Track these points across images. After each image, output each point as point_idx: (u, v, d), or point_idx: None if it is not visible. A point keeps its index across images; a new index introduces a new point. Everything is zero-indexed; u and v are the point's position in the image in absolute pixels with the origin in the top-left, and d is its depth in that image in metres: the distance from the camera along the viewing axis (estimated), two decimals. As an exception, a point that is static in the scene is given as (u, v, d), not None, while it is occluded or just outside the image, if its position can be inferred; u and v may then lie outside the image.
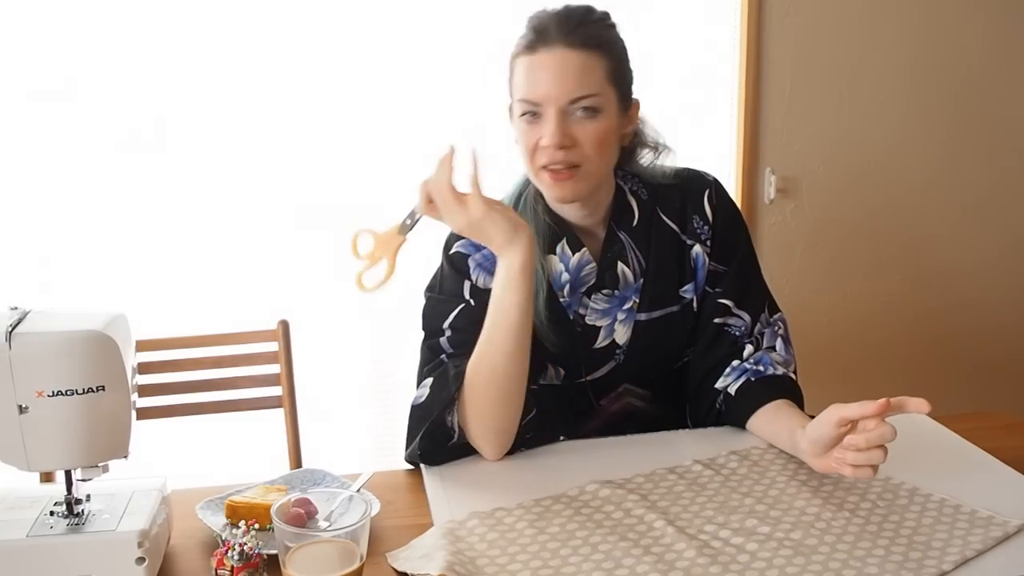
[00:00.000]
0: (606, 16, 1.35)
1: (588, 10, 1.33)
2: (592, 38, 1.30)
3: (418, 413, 1.33)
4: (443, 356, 1.36)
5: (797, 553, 1.07)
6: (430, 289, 1.43)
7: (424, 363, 1.39)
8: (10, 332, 0.99)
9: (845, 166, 2.60)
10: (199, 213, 2.31)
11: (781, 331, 1.45)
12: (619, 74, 1.33)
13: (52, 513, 1.06)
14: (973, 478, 1.25)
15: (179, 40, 2.21)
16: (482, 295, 1.35)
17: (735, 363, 1.41)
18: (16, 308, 1.04)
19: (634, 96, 1.38)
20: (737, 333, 1.43)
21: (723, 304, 1.43)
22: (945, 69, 2.58)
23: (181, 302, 2.31)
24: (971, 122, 2.64)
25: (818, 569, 1.04)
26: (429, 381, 1.34)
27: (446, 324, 1.37)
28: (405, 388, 2.46)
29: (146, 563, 1.02)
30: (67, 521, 1.05)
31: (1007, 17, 2.58)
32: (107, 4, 2.17)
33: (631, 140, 1.42)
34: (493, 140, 2.33)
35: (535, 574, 1.05)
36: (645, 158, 1.45)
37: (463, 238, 1.39)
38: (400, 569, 1.07)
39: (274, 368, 1.89)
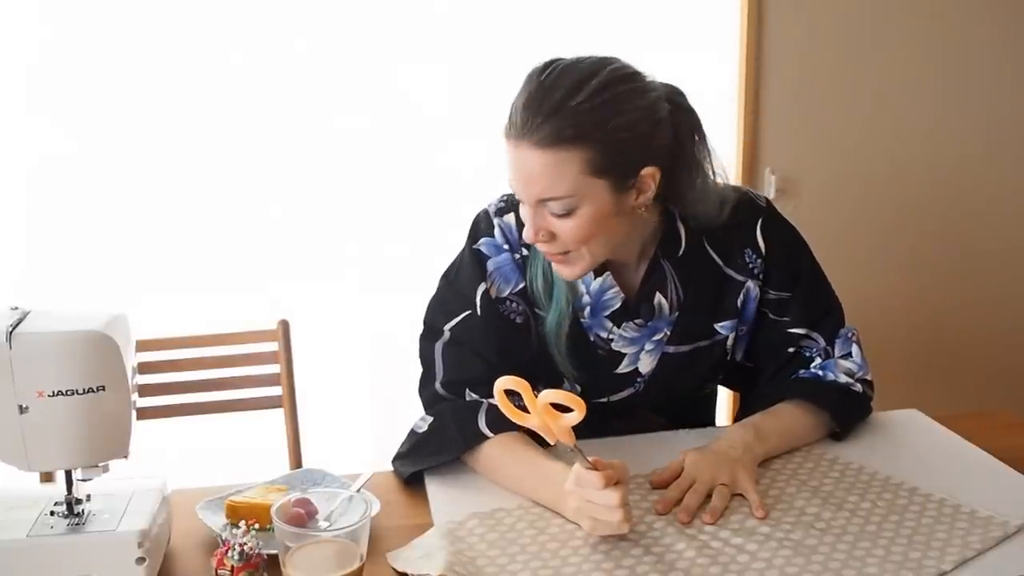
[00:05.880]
0: (602, 89, 1.14)
1: (571, 89, 1.13)
2: (564, 131, 1.12)
3: (414, 443, 1.32)
4: (438, 386, 1.34)
5: (797, 553, 1.07)
6: (446, 275, 1.39)
7: (423, 378, 1.37)
8: (10, 332, 0.99)
9: (845, 166, 2.59)
10: (199, 213, 2.31)
11: (855, 337, 1.40)
12: (608, 159, 1.15)
13: (52, 513, 1.06)
14: (973, 478, 1.25)
15: (180, 38, 2.21)
16: (492, 305, 1.33)
17: (801, 372, 1.39)
18: (16, 308, 1.04)
19: (647, 168, 1.19)
20: (808, 354, 1.40)
21: (795, 333, 1.39)
22: (946, 68, 2.57)
23: (181, 302, 2.31)
24: (973, 123, 2.63)
25: (818, 569, 1.04)
26: (430, 420, 1.32)
27: (447, 326, 1.34)
28: (405, 388, 2.46)
29: (146, 563, 1.03)
30: (67, 521, 1.05)
31: (1009, 15, 2.57)
32: (108, 5, 2.17)
33: (664, 195, 1.26)
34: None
35: (535, 574, 1.05)
36: (696, 187, 1.29)
37: (491, 232, 1.35)
38: (400, 569, 1.07)
39: (274, 368, 1.89)
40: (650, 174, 1.20)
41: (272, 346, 1.89)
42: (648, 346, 1.37)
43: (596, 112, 1.14)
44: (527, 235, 1.22)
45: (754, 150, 2.53)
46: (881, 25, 2.52)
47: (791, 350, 1.40)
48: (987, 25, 2.57)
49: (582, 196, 1.17)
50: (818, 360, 1.39)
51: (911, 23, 2.53)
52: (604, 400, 1.41)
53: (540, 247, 1.24)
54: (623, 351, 1.37)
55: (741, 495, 1.20)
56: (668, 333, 1.36)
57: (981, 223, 2.71)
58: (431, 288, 1.41)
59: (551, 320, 1.33)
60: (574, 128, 1.13)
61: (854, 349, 1.40)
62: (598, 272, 1.32)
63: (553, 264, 1.27)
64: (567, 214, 1.18)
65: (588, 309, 1.34)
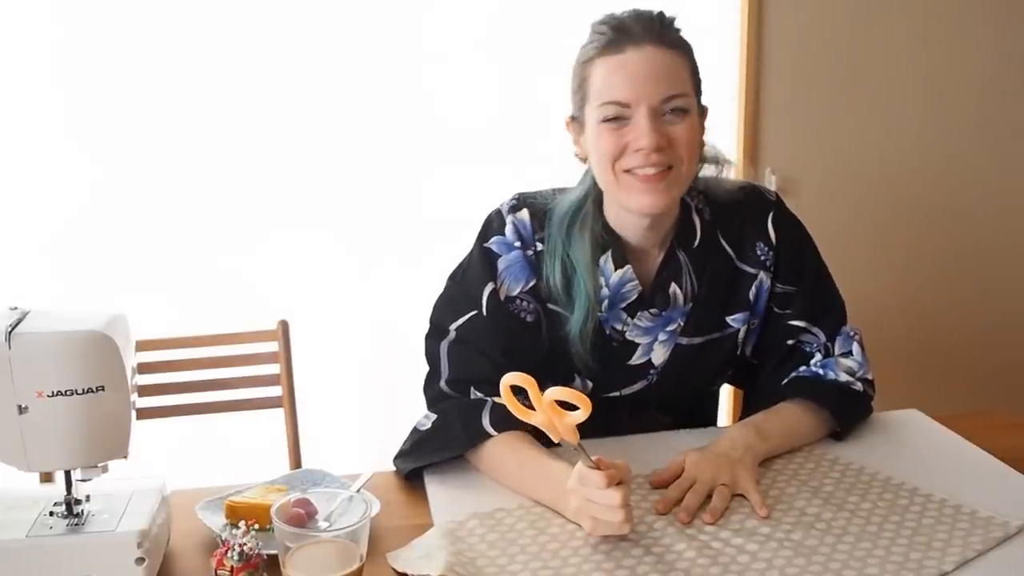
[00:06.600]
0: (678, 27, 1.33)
1: (663, 13, 1.29)
2: (677, 39, 1.28)
3: (416, 440, 1.32)
4: (442, 384, 1.34)
5: (797, 554, 1.07)
6: (452, 276, 1.39)
7: (429, 376, 1.37)
8: (10, 332, 0.99)
9: (845, 166, 2.59)
10: (199, 213, 2.31)
11: (857, 336, 1.41)
12: (697, 78, 1.30)
13: (52, 513, 1.06)
14: (973, 478, 1.25)
15: (180, 38, 2.21)
16: (499, 306, 1.33)
17: (801, 368, 1.40)
18: (16, 308, 1.04)
19: (705, 106, 1.33)
20: (808, 349, 1.40)
21: (795, 326, 1.40)
22: (945, 68, 2.57)
23: (181, 302, 2.31)
24: (972, 123, 2.63)
25: (818, 570, 1.04)
26: (433, 417, 1.32)
27: (453, 326, 1.34)
28: (405, 388, 2.47)
29: (146, 563, 1.02)
30: (67, 521, 1.05)
31: (1008, 16, 2.57)
32: (111, 4, 2.17)
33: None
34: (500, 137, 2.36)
35: (535, 574, 1.05)
36: (707, 172, 1.38)
37: (502, 231, 1.35)
38: (400, 569, 1.07)
39: (274, 368, 1.89)
40: (706, 113, 1.32)
41: (272, 346, 1.89)
42: (661, 336, 1.37)
43: (684, 36, 1.30)
44: (648, 144, 1.22)
45: (754, 150, 2.53)
46: (881, 25, 2.52)
47: (790, 342, 1.41)
48: (984, 25, 2.57)
49: (691, 101, 1.27)
50: (818, 356, 1.39)
51: (911, 24, 2.53)
52: (616, 394, 1.41)
53: (650, 161, 1.23)
54: (637, 340, 1.37)
55: (741, 495, 1.20)
56: (681, 324, 1.37)
57: (982, 223, 2.71)
58: (432, 289, 1.40)
59: (577, 317, 1.33)
60: (681, 39, 1.28)
61: (855, 347, 1.40)
62: (619, 264, 1.34)
63: (643, 191, 1.25)
64: (682, 117, 1.25)
65: (606, 302, 1.35)
